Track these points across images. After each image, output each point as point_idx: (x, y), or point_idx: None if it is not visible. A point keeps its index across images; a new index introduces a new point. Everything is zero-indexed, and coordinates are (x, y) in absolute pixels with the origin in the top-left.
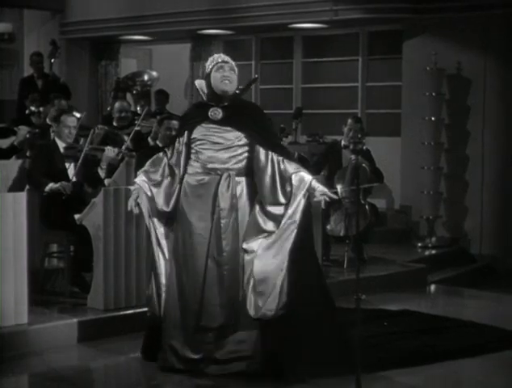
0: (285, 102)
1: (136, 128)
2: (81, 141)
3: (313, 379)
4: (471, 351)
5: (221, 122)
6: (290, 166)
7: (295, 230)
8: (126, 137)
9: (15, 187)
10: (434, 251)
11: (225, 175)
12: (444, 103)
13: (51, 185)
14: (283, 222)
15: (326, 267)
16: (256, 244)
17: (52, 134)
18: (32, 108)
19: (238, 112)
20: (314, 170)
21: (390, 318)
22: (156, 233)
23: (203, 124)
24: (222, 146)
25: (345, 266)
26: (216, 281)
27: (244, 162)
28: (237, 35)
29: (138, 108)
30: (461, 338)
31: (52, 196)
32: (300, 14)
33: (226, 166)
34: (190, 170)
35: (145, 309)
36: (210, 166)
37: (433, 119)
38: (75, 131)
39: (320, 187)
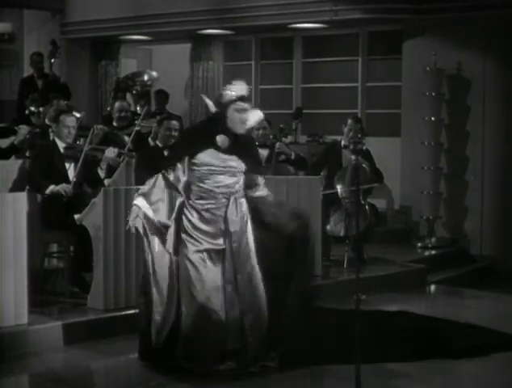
0: (285, 102)
1: (136, 129)
2: (81, 141)
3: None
4: (468, 352)
5: (227, 150)
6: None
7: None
8: (126, 137)
9: (16, 187)
10: (433, 252)
11: (232, 198)
12: (444, 104)
13: (51, 188)
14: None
15: (326, 267)
16: None
17: (51, 134)
18: (32, 108)
19: (239, 141)
20: (314, 171)
21: (388, 318)
22: (153, 256)
23: (211, 149)
24: (229, 173)
25: (345, 266)
26: (235, 304)
27: (242, 186)
28: (236, 36)
29: (138, 108)
30: (459, 339)
31: (53, 198)
32: (299, 14)
33: (231, 190)
34: (193, 193)
35: None
36: (218, 190)
37: (433, 119)
38: (74, 131)
39: None
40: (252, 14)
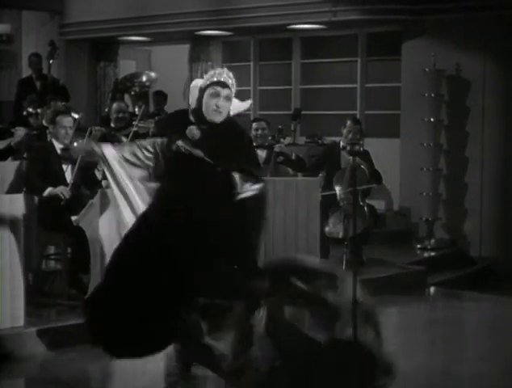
0: (284, 103)
1: (134, 129)
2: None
3: None
4: None
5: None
6: None
7: None
8: (124, 138)
9: (12, 189)
10: (433, 253)
11: None
12: (443, 105)
13: (49, 190)
14: None
15: None
16: None
17: (48, 136)
18: (30, 109)
19: (218, 134)
20: (313, 172)
21: None
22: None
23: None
24: None
25: (343, 268)
26: None
27: None
28: (235, 36)
29: (136, 109)
30: None
31: (51, 200)
32: (298, 15)
33: None
34: None
35: None
36: None
37: (432, 120)
38: (72, 131)
39: None
40: (250, 15)
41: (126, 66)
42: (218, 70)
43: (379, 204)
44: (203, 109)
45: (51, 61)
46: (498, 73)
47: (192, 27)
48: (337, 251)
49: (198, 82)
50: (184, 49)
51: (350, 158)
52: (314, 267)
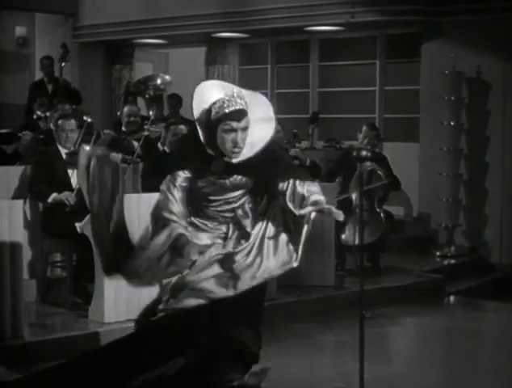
0: (301, 106)
1: (145, 134)
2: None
3: None
4: None
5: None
6: None
7: None
8: (135, 143)
9: (17, 194)
10: (452, 261)
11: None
12: (463, 108)
13: (53, 196)
14: None
15: (340, 277)
16: None
17: None
18: (39, 113)
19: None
20: (329, 177)
21: None
22: None
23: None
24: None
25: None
26: None
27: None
28: (252, 39)
29: (150, 113)
30: None
31: (55, 206)
32: (316, 16)
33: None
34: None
35: None
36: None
37: (452, 124)
38: (75, 135)
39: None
40: (267, 16)
41: (142, 69)
42: (227, 97)
43: (397, 210)
44: (219, 144)
45: (63, 64)
46: None
47: (208, 29)
48: (353, 259)
49: (204, 89)
50: (201, 52)
51: (367, 163)
52: None
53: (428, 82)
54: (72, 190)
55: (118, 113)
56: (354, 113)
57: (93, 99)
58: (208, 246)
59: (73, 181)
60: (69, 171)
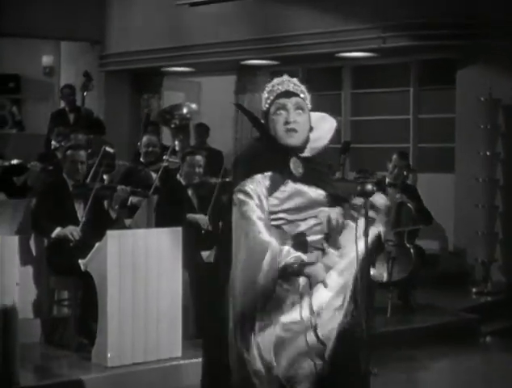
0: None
1: (164, 165)
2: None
3: None
4: None
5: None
6: None
7: None
8: (153, 174)
9: (22, 229)
10: (489, 298)
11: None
12: (500, 137)
13: (57, 231)
14: None
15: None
16: None
17: None
18: (54, 143)
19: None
20: None
21: None
22: None
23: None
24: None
25: (388, 315)
26: None
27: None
28: (282, 66)
29: (176, 143)
30: None
31: (59, 242)
32: (346, 42)
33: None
34: None
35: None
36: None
37: (488, 153)
38: (85, 166)
39: None
40: (297, 42)
41: (172, 98)
42: (275, 81)
43: (432, 244)
44: (274, 133)
45: (85, 93)
46: None
47: (237, 56)
48: (382, 297)
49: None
50: (233, 80)
51: (397, 195)
52: None
53: (463, 109)
54: (78, 224)
55: (138, 144)
56: (387, 142)
57: (120, 130)
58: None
59: (80, 215)
60: (76, 205)
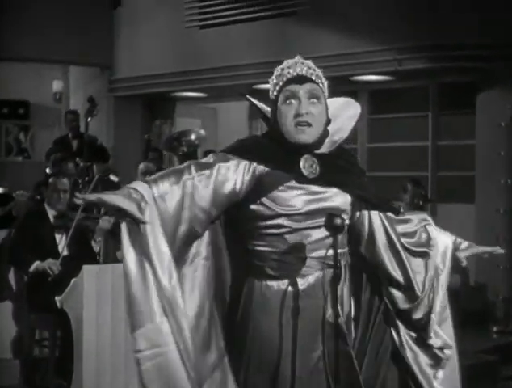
0: None
1: None
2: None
3: None
4: None
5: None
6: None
7: None
8: None
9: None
10: (511, 338)
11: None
12: None
13: (36, 264)
14: None
15: None
16: None
17: None
18: (48, 170)
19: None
20: None
21: None
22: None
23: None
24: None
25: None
26: None
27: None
28: None
29: None
30: None
31: (38, 276)
32: (360, 64)
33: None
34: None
35: None
36: (312, 254)
37: (509, 182)
38: (67, 195)
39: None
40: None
41: (187, 125)
42: (285, 63)
43: (453, 279)
44: (283, 129)
45: (89, 119)
46: None
47: (249, 80)
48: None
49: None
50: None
51: None
52: None
53: (484, 135)
54: (59, 257)
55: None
56: (405, 170)
57: (129, 157)
58: None
59: (61, 247)
60: (57, 237)
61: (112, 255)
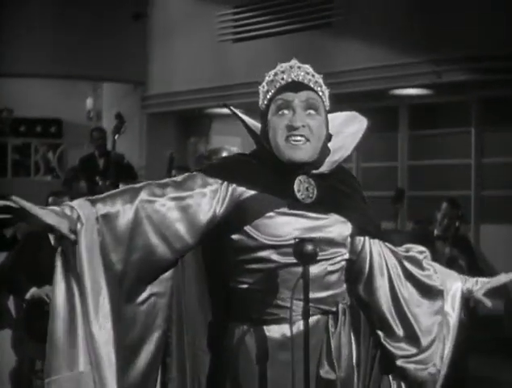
0: (388, 182)
1: None
2: None
3: None
4: None
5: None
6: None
7: None
8: None
9: None
10: None
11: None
12: None
13: (33, 291)
14: None
15: None
16: None
17: None
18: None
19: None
20: None
21: None
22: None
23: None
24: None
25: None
26: None
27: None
28: (333, 105)
29: None
30: None
31: (36, 303)
32: (398, 77)
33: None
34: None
35: None
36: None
37: None
38: None
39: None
40: (346, 79)
41: (222, 142)
42: (279, 67)
43: (496, 305)
44: (273, 144)
45: (116, 136)
46: None
47: None
48: None
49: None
50: None
51: (446, 249)
52: None
53: None
54: None
55: None
56: (447, 189)
57: (162, 176)
58: None
59: None
60: None
61: None
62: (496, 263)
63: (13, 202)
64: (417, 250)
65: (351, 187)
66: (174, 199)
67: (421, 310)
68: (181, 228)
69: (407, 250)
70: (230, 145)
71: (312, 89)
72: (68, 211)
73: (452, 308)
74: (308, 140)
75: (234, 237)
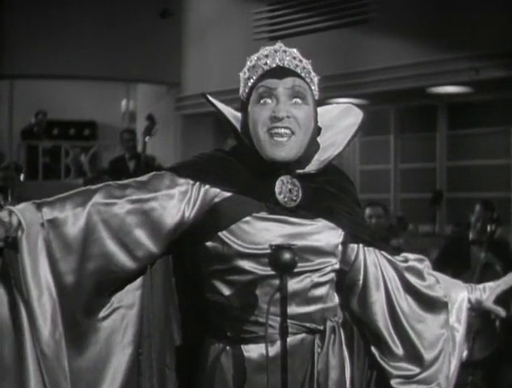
0: (428, 183)
1: None
2: None
3: None
4: None
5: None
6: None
7: None
8: None
9: None
10: None
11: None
12: None
13: None
14: None
15: None
16: None
17: None
18: None
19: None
20: (437, 269)
21: None
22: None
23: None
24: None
25: None
26: None
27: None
28: (371, 106)
29: None
30: None
31: None
32: (435, 74)
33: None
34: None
35: None
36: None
37: None
38: None
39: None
40: (382, 77)
41: None
42: (264, 50)
43: None
44: (253, 138)
45: (147, 138)
46: None
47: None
48: (462, 379)
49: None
50: None
51: (481, 254)
52: None
53: None
54: None
55: None
56: (488, 191)
57: None
58: None
59: None
60: None
61: None
62: None
63: None
64: (416, 258)
65: (343, 189)
66: (136, 201)
67: (424, 326)
68: (142, 234)
69: (406, 260)
70: None
71: (298, 75)
72: (5, 216)
73: (458, 321)
74: (293, 133)
75: (208, 244)
